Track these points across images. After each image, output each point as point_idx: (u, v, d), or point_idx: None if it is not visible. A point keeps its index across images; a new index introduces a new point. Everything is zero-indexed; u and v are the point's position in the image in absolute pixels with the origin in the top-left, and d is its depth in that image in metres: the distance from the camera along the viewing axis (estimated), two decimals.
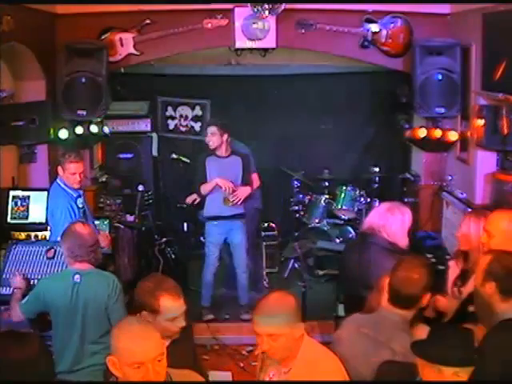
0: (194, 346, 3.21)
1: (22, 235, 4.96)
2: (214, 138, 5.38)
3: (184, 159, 6.55)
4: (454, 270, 3.67)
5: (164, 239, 6.25)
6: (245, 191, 5.44)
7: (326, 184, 6.64)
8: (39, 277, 4.11)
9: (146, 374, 2.17)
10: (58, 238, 4.41)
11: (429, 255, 5.20)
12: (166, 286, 2.83)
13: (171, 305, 2.77)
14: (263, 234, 6.39)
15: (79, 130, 5.39)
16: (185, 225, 6.61)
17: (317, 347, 2.72)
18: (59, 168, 4.60)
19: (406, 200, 6.11)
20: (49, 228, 4.72)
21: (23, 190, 5.23)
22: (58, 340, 3.54)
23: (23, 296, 3.77)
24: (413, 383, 2.24)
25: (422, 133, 5.55)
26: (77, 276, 3.51)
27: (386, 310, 2.89)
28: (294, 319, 2.59)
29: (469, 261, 3.56)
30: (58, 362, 3.49)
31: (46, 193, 4.81)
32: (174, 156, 6.54)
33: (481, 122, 4.92)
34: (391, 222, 3.84)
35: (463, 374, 2.17)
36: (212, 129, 5.40)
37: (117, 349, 2.24)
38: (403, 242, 3.86)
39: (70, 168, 4.54)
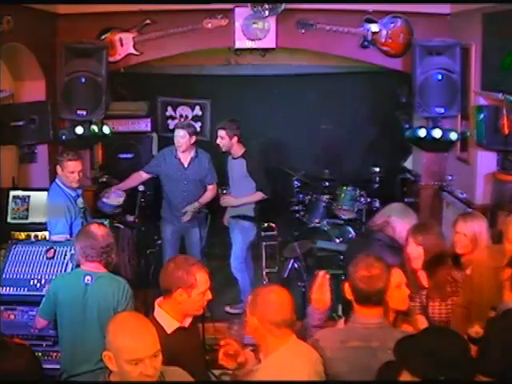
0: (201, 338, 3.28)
1: (22, 235, 4.93)
2: (223, 141, 5.49)
3: None
4: None
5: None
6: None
7: (326, 184, 6.62)
8: (39, 277, 4.12)
9: (144, 369, 2.18)
10: (53, 238, 4.44)
11: None
12: (193, 261, 3.00)
13: (205, 278, 2.94)
14: (263, 233, 6.37)
15: (79, 130, 5.40)
16: None
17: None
18: (57, 167, 4.60)
19: (406, 200, 6.10)
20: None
21: (23, 189, 5.22)
22: (66, 341, 3.52)
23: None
24: (412, 383, 2.23)
25: (422, 133, 5.55)
26: (88, 277, 3.48)
27: (360, 315, 2.75)
28: None
29: (460, 263, 3.58)
30: (65, 362, 3.50)
31: (46, 193, 4.80)
32: None
33: (481, 122, 4.92)
34: (396, 221, 3.85)
35: None
36: (221, 133, 5.49)
37: (114, 345, 2.22)
38: None
39: (67, 166, 4.54)
